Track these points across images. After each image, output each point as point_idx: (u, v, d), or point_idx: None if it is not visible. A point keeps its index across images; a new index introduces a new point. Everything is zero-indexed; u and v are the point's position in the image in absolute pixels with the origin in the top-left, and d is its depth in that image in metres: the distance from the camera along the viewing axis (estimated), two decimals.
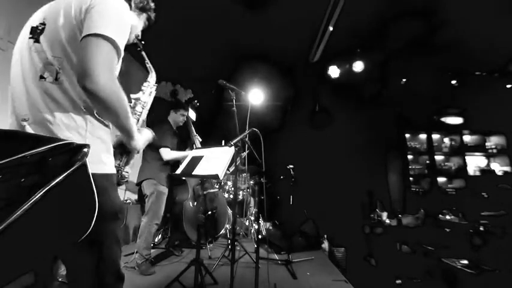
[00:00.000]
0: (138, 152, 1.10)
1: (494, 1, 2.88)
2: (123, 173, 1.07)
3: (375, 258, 3.31)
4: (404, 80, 4.36)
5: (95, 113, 0.85)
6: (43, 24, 0.85)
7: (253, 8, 3.00)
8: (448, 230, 3.23)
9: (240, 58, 4.12)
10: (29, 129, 0.77)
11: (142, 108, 1.18)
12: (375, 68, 4.16)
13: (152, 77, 1.25)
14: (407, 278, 2.63)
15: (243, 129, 1.93)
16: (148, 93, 1.21)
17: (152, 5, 1.14)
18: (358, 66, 4.08)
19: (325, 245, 3.32)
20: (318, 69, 4.33)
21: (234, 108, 1.95)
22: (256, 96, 4.28)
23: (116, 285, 0.87)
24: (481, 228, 2.84)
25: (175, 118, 2.77)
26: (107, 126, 0.89)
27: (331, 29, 3.24)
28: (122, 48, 0.85)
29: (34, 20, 0.89)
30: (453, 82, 4.24)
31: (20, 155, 0.49)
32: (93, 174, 0.71)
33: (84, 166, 0.61)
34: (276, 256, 2.97)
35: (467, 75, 4.13)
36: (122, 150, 1.06)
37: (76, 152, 0.59)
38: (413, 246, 3.21)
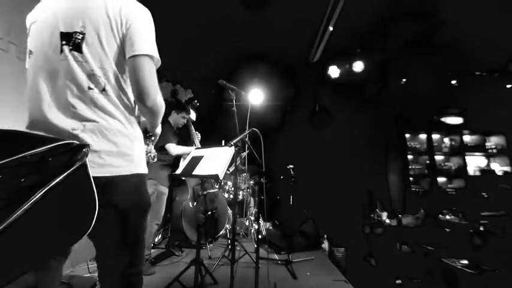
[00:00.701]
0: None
1: (494, 1, 2.88)
2: (152, 153, 1.26)
3: (375, 258, 3.31)
4: (404, 80, 4.36)
5: (135, 118, 0.95)
6: (82, 33, 0.84)
7: (253, 8, 3.00)
8: (448, 230, 3.23)
9: (240, 58, 4.12)
10: (83, 137, 0.80)
11: None
12: (375, 68, 4.16)
13: None
14: (407, 278, 2.63)
15: (243, 129, 1.93)
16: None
17: None
18: (358, 66, 4.08)
19: (325, 245, 3.32)
20: (318, 69, 4.33)
21: (234, 108, 1.95)
22: (256, 96, 4.28)
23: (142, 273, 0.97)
24: (481, 228, 2.84)
25: (176, 119, 2.77)
26: (140, 129, 1.00)
27: (331, 29, 3.24)
28: None
29: (62, 23, 0.85)
30: (453, 82, 4.24)
31: (20, 155, 0.49)
32: (139, 174, 0.91)
33: (84, 166, 0.61)
34: (276, 256, 2.97)
35: (467, 75, 4.13)
36: (146, 136, 1.17)
37: (76, 152, 0.59)
38: (413, 246, 3.21)
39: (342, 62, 4.21)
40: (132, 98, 0.93)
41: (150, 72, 0.88)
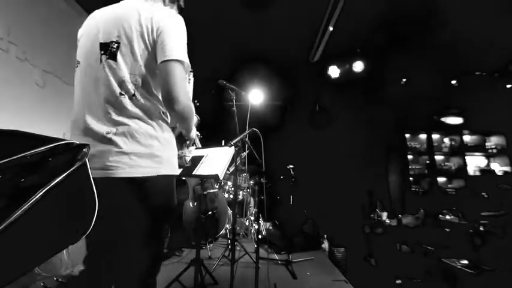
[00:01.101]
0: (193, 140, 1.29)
1: (494, 1, 2.88)
2: (186, 157, 1.30)
3: (375, 258, 3.31)
4: (404, 80, 4.36)
5: (166, 122, 0.99)
6: (117, 42, 0.90)
7: (254, 8, 3.00)
8: (448, 230, 3.23)
9: (240, 58, 4.12)
10: (116, 140, 0.87)
11: None
12: (375, 68, 4.16)
13: None
14: (407, 278, 2.63)
15: (243, 129, 1.93)
16: (188, 79, 1.31)
17: (182, 3, 1.25)
18: (358, 66, 4.08)
19: (325, 245, 3.32)
20: (318, 69, 4.33)
21: (234, 108, 1.95)
22: (256, 96, 4.28)
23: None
24: (481, 228, 2.84)
25: None
26: (173, 131, 1.04)
27: (331, 29, 3.24)
28: None
29: (101, 35, 0.92)
30: (453, 82, 4.24)
31: (20, 155, 0.49)
32: (168, 176, 0.95)
33: (84, 166, 0.61)
34: (276, 256, 2.97)
35: (467, 75, 4.13)
36: (182, 140, 1.21)
37: (76, 151, 0.59)
38: (413, 246, 3.21)
39: (342, 62, 4.21)
40: (162, 103, 0.97)
41: (179, 77, 0.91)
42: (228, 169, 1.61)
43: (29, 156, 0.50)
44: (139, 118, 0.90)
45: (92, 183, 0.65)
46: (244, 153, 2.61)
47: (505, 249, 2.53)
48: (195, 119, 1.08)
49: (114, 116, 0.88)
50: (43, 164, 0.52)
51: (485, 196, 3.71)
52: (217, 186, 3.24)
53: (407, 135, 4.51)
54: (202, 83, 4.49)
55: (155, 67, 0.92)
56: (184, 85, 0.93)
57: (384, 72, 4.28)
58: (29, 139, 0.63)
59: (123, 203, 0.90)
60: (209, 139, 3.50)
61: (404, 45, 3.69)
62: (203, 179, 2.84)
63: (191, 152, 1.32)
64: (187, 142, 1.26)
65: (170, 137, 1.00)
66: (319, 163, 4.42)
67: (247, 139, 1.89)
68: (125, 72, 0.89)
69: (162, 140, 0.95)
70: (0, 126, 0.83)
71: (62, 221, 0.59)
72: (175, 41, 0.92)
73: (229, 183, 3.83)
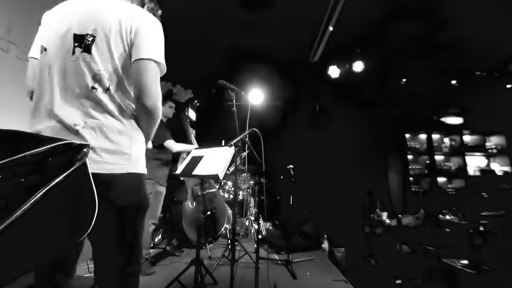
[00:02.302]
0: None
1: (494, 1, 2.88)
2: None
3: (375, 258, 3.31)
4: (404, 80, 4.36)
5: (136, 121, 0.97)
6: (93, 36, 0.89)
7: (254, 8, 3.00)
8: (448, 230, 3.23)
9: (240, 58, 4.12)
10: (83, 133, 0.84)
11: None
12: (375, 68, 4.16)
13: None
14: (407, 278, 2.63)
15: (243, 129, 1.93)
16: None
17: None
18: (358, 66, 4.08)
19: (325, 245, 3.32)
20: (318, 69, 4.33)
21: (234, 108, 1.95)
22: (256, 96, 4.28)
23: (138, 273, 1.00)
24: (481, 228, 2.84)
25: (166, 112, 2.74)
26: (142, 131, 1.01)
27: (331, 29, 3.24)
28: None
29: (77, 26, 0.90)
30: (453, 82, 4.24)
31: (20, 155, 0.49)
32: (136, 174, 0.93)
33: (84, 166, 0.61)
34: (276, 256, 2.97)
35: (467, 75, 4.13)
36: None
37: (76, 151, 0.59)
38: (413, 246, 3.21)
39: (342, 62, 4.21)
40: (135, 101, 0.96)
41: (152, 76, 0.91)
42: (228, 169, 1.61)
43: (29, 156, 0.50)
44: (110, 113, 0.89)
45: (91, 183, 0.65)
46: (244, 153, 2.61)
47: (505, 249, 2.53)
48: (155, 129, 1.05)
49: (85, 109, 0.86)
50: (43, 164, 0.52)
51: (485, 196, 3.71)
52: (217, 186, 3.24)
53: (407, 135, 4.51)
54: (202, 83, 4.51)
55: (129, 66, 0.92)
56: (156, 84, 0.93)
57: (384, 72, 4.28)
58: (29, 139, 0.63)
59: None
60: (209, 139, 3.50)
61: (404, 45, 3.68)
62: (203, 179, 2.84)
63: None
64: None
65: (140, 136, 0.98)
66: (319, 163, 4.42)
67: (247, 139, 1.89)
68: (100, 66, 0.88)
69: (132, 138, 0.93)
70: (0, 126, 0.83)
71: (62, 221, 0.59)
72: (152, 42, 0.93)
73: (229, 183, 3.83)
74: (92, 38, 0.88)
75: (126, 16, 0.91)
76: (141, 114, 0.95)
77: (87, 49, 0.88)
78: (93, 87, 0.87)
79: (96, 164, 0.83)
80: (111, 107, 0.89)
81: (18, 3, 2.15)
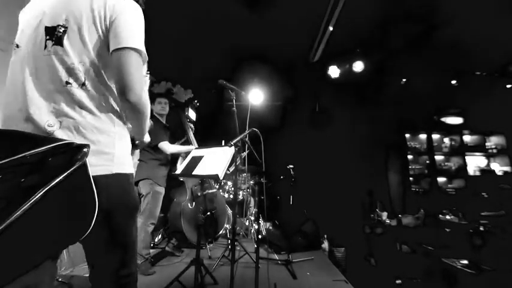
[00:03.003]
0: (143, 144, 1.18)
1: (494, 1, 2.88)
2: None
3: (375, 258, 3.31)
4: (404, 80, 4.36)
5: (119, 116, 0.89)
6: (64, 26, 0.82)
7: (254, 8, 3.00)
8: (448, 230, 3.23)
9: (240, 58, 4.12)
10: (58, 134, 0.77)
11: None
12: (375, 68, 4.16)
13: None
14: (407, 278, 2.63)
15: (243, 129, 1.93)
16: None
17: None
18: (358, 66, 4.08)
19: (325, 245, 3.32)
20: (318, 69, 4.33)
21: (234, 108, 1.95)
22: (256, 96, 4.28)
23: (136, 273, 0.95)
24: (481, 228, 2.84)
25: (156, 109, 2.71)
26: (128, 127, 0.94)
27: (331, 29, 3.24)
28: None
29: (48, 18, 0.84)
30: (453, 82, 4.24)
31: (20, 155, 0.49)
32: (121, 174, 0.86)
33: (84, 166, 0.61)
34: (276, 256, 2.97)
35: (467, 75, 4.13)
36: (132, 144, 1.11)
37: (76, 152, 0.59)
38: (413, 246, 3.21)
39: (342, 62, 4.21)
40: (116, 94, 0.87)
41: (135, 67, 0.82)
42: (228, 169, 1.61)
43: (29, 156, 0.50)
44: (86, 109, 0.81)
45: (91, 183, 0.65)
46: (244, 153, 2.61)
47: (505, 249, 2.53)
48: (148, 122, 0.98)
49: (59, 107, 0.79)
50: (43, 164, 0.52)
51: (485, 196, 3.71)
52: (216, 186, 3.24)
53: (407, 135, 4.51)
54: (202, 83, 4.51)
55: (108, 56, 0.83)
56: (140, 75, 0.84)
57: (384, 72, 4.28)
58: (29, 139, 0.63)
59: None
60: (209, 139, 3.50)
61: (404, 45, 3.68)
62: (202, 179, 2.84)
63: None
64: (137, 147, 1.13)
65: (124, 132, 0.91)
66: (319, 163, 4.43)
67: (247, 139, 1.89)
68: (74, 59, 0.80)
69: (112, 135, 0.85)
70: (0, 127, 0.83)
71: (62, 221, 0.59)
72: (131, 28, 0.84)
73: (229, 183, 3.83)
74: (63, 29, 0.81)
75: (100, 3, 0.83)
76: (126, 111, 0.88)
77: (58, 41, 0.81)
78: (67, 82, 0.80)
79: None
80: (88, 103, 0.81)
81: (18, 4, 2.15)
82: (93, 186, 0.65)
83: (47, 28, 0.83)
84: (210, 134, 4.52)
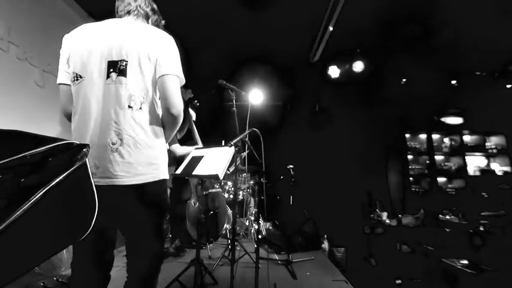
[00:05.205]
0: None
1: (494, 2, 2.88)
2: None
3: (375, 258, 3.31)
4: (404, 80, 4.36)
5: (161, 130, 1.11)
6: (125, 61, 1.01)
7: (254, 8, 3.00)
8: (448, 230, 3.23)
9: (240, 58, 4.12)
10: (121, 151, 0.98)
11: None
12: (375, 68, 4.16)
13: None
14: (407, 278, 2.63)
15: (243, 129, 1.93)
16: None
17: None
18: (358, 66, 4.08)
19: (325, 245, 3.32)
20: (318, 69, 4.33)
21: (234, 108, 1.95)
22: (256, 96, 4.28)
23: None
24: (481, 228, 2.84)
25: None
26: (165, 133, 1.16)
27: (331, 29, 3.23)
28: None
29: (109, 54, 1.02)
30: (453, 82, 4.24)
31: (20, 155, 0.49)
32: (164, 180, 1.10)
33: (84, 165, 0.61)
34: (276, 256, 2.97)
35: (467, 75, 4.13)
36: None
37: (76, 151, 0.59)
38: (413, 246, 3.21)
39: (342, 62, 4.21)
40: (161, 110, 1.10)
41: (174, 88, 1.07)
42: (228, 169, 1.61)
43: (29, 156, 0.50)
44: (142, 128, 1.02)
45: (92, 183, 0.65)
46: (244, 153, 2.61)
47: (505, 249, 2.53)
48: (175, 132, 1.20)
49: (121, 127, 0.98)
50: (43, 164, 0.52)
51: (485, 196, 3.71)
52: (217, 186, 3.24)
53: (407, 135, 4.51)
54: (202, 83, 4.51)
55: (156, 81, 1.06)
56: (179, 95, 1.08)
57: (384, 72, 4.28)
58: (29, 139, 0.63)
59: (129, 207, 1.02)
60: (209, 139, 3.50)
61: (404, 45, 3.68)
62: (203, 179, 2.84)
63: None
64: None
65: (163, 146, 1.13)
66: (319, 163, 4.42)
67: (247, 139, 1.89)
68: (134, 87, 1.00)
69: (157, 148, 1.08)
70: (0, 126, 0.83)
71: (62, 221, 0.59)
72: (171, 59, 1.08)
73: (229, 183, 3.83)
74: (125, 63, 1.01)
75: (149, 40, 1.05)
76: (167, 121, 1.11)
77: (122, 73, 1.00)
78: (129, 106, 1.00)
79: (135, 177, 0.98)
80: (143, 123, 1.02)
81: (18, 4, 2.15)
82: (94, 185, 0.65)
83: (109, 62, 1.02)
84: (210, 134, 4.51)
